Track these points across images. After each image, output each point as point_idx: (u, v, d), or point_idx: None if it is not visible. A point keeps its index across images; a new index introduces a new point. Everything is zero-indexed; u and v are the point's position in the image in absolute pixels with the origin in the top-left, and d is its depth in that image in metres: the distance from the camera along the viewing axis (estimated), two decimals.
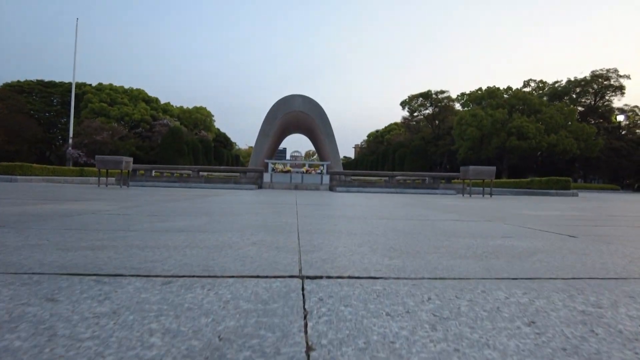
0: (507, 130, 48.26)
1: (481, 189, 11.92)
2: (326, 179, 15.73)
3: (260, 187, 15.57)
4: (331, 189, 15.30)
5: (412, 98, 67.17)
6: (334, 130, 20.07)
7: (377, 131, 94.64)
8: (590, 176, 64.40)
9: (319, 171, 16.17)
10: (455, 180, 18.33)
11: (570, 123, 49.36)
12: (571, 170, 60.85)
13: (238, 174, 16.53)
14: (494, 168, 11.33)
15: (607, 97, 58.18)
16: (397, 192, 13.27)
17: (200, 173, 16.51)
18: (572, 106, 52.02)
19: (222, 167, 21.57)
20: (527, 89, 58.01)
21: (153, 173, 17.35)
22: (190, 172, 16.13)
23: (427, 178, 17.86)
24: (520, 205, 6.95)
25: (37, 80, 60.61)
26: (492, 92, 52.95)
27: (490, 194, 11.38)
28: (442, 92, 65.14)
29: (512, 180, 21.27)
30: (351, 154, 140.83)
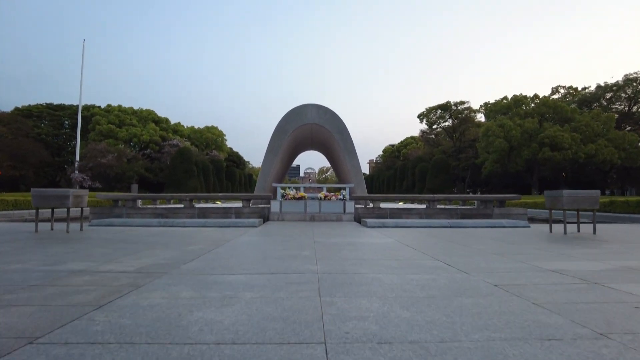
0: (538, 140, 44.21)
1: (554, 214, 8.45)
2: (350, 206, 12.42)
3: (267, 219, 12.36)
4: (358, 220, 11.99)
5: (430, 110, 63.88)
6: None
7: (392, 146, 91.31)
8: (627, 187, 59.31)
9: (340, 197, 12.88)
10: (510, 202, 14.82)
11: (607, 131, 44.98)
12: (606, 181, 55.95)
13: (240, 202, 13.36)
14: (597, 193, 7.89)
15: None
16: (449, 227, 9.85)
17: (195, 203, 13.45)
18: (605, 113, 47.67)
19: (220, 194, 18.56)
20: (555, 96, 54.00)
21: (139, 203, 14.36)
22: (196, 198, 13.04)
23: (476, 201, 14.35)
24: None
25: (46, 104, 59.67)
26: (519, 100, 49.19)
27: (594, 230, 7.90)
28: (462, 102, 61.75)
29: None
30: (365, 170, 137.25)
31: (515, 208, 13.24)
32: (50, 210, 8.34)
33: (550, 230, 8.31)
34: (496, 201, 13.77)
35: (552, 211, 8.50)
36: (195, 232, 7.82)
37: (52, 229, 7.92)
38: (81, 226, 8.08)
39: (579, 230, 8.29)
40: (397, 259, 4.44)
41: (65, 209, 7.74)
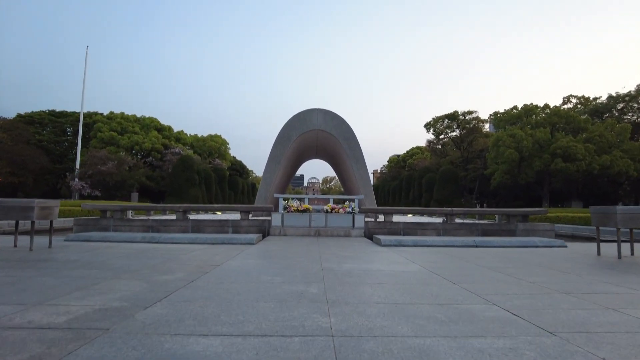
0: (550, 151, 42.83)
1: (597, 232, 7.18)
2: (359, 220, 11.22)
3: (267, 233, 11.19)
4: (369, 236, 10.78)
5: (437, 120, 62.76)
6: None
7: (398, 156, 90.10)
8: None
9: (348, 209, 11.69)
10: (533, 217, 13.62)
11: (622, 142, 43.59)
12: (619, 194, 54.27)
13: (239, 214, 12.20)
14: None
15: None
16: (475, 246, 8.63)
17: (193, 214, 12.33)
18: (619, 124, 46.30)
19: (217, 205, 17.43)
20: (567, 106, 52.71)
21: (130, 214, 13.26)
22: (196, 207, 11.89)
23: (497, 216, 13.11)
24: None
25: (48, 110, 59.26)
26: (530, 110, 47.97)
27: None
28: (470, 112, 60.63)
29: None
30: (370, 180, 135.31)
31: (542, 224, 11.98)
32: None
33: (599, 253, 7.07)
34: (519, 215, 12.53)
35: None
36: (181, 251, 6.66)
37: (15, 246, 6.80)
38: (49, 242, 6.94)
39: (632, 253, 7.04)
40: (439, 303, 3.24)
41: (31, 222, 6.63)
